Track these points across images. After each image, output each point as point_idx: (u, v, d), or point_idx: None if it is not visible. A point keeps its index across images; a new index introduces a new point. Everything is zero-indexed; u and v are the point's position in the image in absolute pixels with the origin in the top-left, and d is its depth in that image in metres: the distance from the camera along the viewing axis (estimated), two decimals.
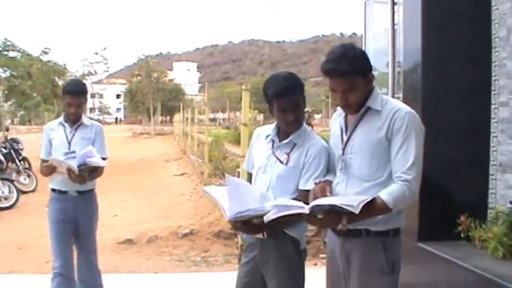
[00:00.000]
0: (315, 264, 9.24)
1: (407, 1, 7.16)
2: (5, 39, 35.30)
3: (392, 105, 4.05)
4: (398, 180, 3.87)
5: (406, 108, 4.04)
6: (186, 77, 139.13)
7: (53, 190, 6.70)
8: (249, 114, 10.20)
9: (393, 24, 11.60)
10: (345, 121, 4.24)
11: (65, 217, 6.58)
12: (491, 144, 6.11)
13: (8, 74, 34.92)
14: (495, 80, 6.09)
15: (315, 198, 3.92)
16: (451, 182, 6.22)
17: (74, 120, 6.62)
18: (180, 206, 16.39)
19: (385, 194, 3.81)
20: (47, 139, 6.68)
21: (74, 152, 6.47)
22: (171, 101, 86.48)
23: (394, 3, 11.85)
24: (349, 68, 3.91)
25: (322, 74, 4.08)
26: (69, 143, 6.56)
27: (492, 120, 6.10)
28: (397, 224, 4.07)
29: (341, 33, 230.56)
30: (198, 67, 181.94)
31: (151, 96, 79.17)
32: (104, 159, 6.54)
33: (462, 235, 5.91)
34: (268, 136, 4.61)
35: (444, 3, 6.33)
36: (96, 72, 43.97)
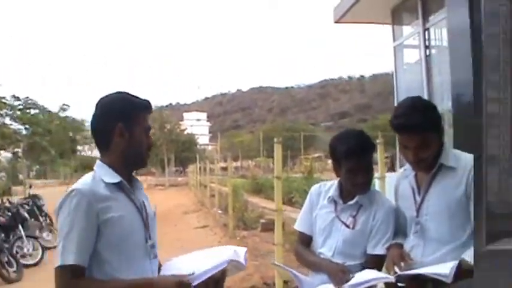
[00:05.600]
0: None
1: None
2: (27, 97, 36.21)
3: (467, 160, 3.77)
4: None
5: None
6: (196, 127, 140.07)
7: None
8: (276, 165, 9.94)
9: (427, 66, 11.71)
10: (416, 180, 3.98)
11: None
12: None
13: (29, 131, 35.75)
14: None
15: (394, 264, 3.72)
16: None
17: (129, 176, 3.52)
18: None
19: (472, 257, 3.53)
20: (92, 221, 3.20)
21: (153, 245, 3.56)
22: (184, 152, 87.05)
23: (426, 47, 12.03)
24: (422, 121, 3.68)
25: (393, 130, 3.84)
26: (147, 228, 3.51)
27: None
28: None
29: (349, 77, 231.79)
30: (208, 116, 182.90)
31: (165, 148, 79.48)
32: None
33: None
34: (329, 196, 4.30)
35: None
36: None
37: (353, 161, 4.07)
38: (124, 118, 3.38)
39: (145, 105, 3.52)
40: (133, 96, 3.53)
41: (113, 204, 3.28)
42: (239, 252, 3.49)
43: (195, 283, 3.17)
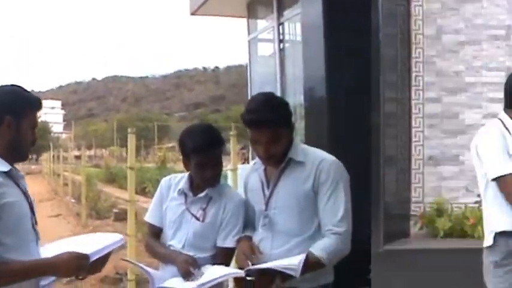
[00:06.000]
0: None
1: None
2: None
3: (315, 156, 3.95)
4: (330, 233, 3.77)
5: (331, 158, 3.95)
6: (51, 115, 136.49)
7: None
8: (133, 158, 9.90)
9: (280, 60, 11.99)
10: (265, 174, 4.08)
11: None
12: (415, 139, 5.96)
13: None
14: (417, 77, 5.99)
15: (245, 257, 3.83)
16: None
17: None
18: None
19: (318, 250, 3.71)
20: None
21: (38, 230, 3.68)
22: (38, 140, 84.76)
23: (280, 41, 12.32)
24: (274, 117, 3.79)
25: (244, 125, 3.93)
26: (33, 213, 3.57)
27: (414, 116, 5.97)
28: (326, 280, 3.93)
29: (204, 68, 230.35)
30: (62, 104, 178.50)
31: None
32: None
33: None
34: (179, 188, 4.31)
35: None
36: None
37: (201, 156, 4.09)
38: (13, 112, 3.44)
39: (35, 102, 3.59)
40: (25, 91, 3.60)
41: (6, 190, 3.33)
42: (117, 235, 3.69)
43: (91, 259, 3.34)
